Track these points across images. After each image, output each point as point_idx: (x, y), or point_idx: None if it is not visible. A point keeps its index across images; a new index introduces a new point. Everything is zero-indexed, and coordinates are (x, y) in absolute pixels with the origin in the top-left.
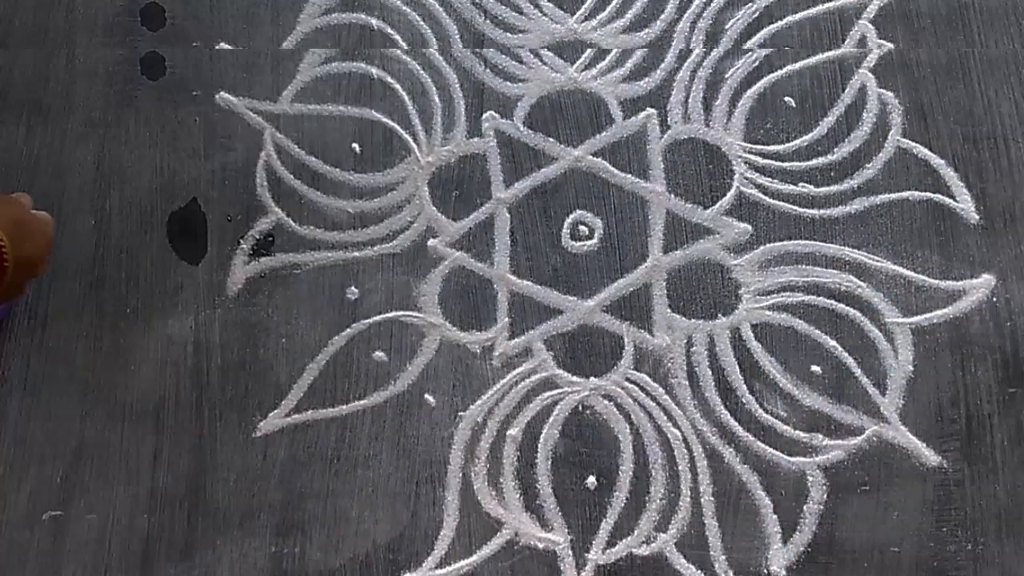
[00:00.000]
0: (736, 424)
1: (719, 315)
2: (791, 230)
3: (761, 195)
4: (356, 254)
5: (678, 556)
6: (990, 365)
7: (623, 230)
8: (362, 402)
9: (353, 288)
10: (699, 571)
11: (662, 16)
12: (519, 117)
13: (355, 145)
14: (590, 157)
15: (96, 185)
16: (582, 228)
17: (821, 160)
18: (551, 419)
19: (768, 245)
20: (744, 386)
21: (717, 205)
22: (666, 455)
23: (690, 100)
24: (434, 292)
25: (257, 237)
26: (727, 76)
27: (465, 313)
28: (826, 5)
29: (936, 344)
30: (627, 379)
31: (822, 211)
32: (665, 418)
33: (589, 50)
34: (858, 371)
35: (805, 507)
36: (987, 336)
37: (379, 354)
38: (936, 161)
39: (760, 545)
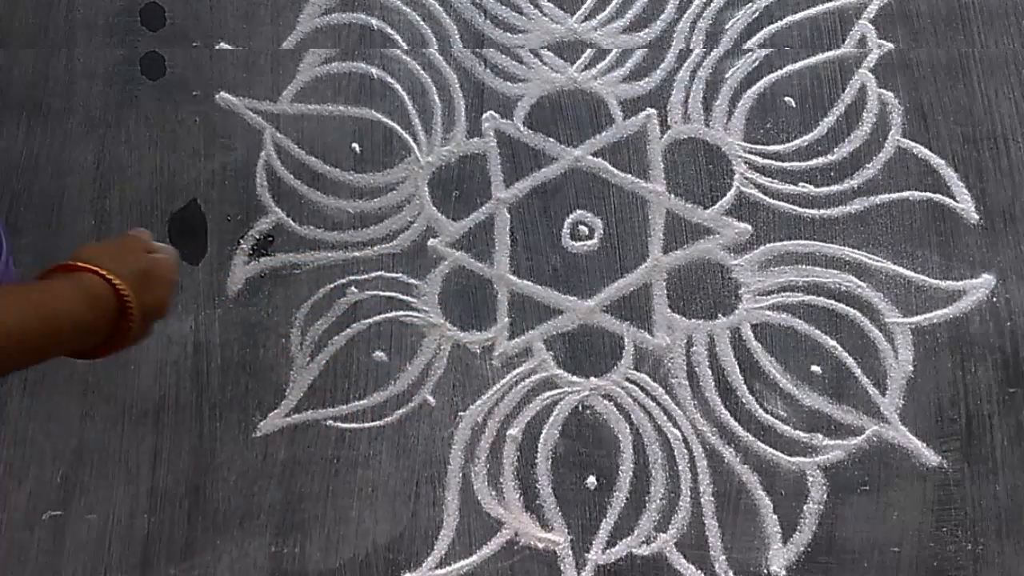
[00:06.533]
0: (736, 424)
1: (719, 315)
2: (791, 230)
3: (761, 195)
4: (356, 254)
5: (678, 556)
6: (990, 365)
7: (623, 230)
8: (362, 402)
9: (353, 288)
10: (699, 571)
11: (662, 16)
12: (519, 117)
13: (355, 145)
14: (590, 157)
15: (96, 185)
16: (582, 228)
17: (821, 160)
18: (551, 419)
19: (768, 245)
20: (744, 386)
21: (717, 205)
22: (666, 455)
23: (690, 100)
24: (434, 292)
25: (257, 237)
26: (727, 76)
27: (465, 313)
28: (826, 5)
29: (936, 344)
30: (627, 379)
31: (822, 211)
32: (665, 418)
33: (589, 50)
34: (858, 371)
35: (805, 507)
36: (987, 336)
37: (379, 354)
38: (936, 161)
39: (760, 545)
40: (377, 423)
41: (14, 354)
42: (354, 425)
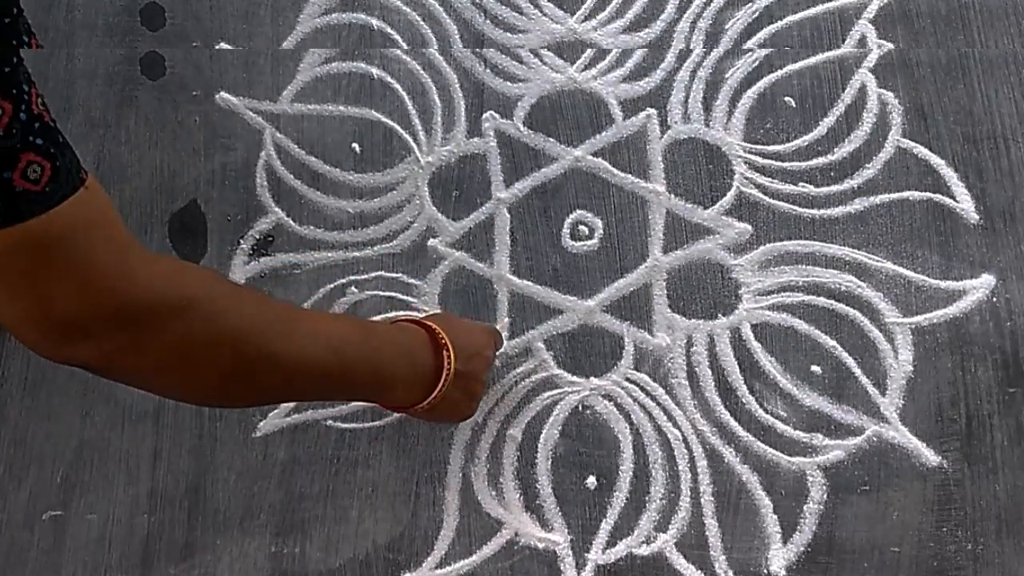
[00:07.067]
0: (736, 424)
1: (719, 315)
2: (791, 230)
3: (761, 195)
4: (356, 254)
5: (678, 556)
6: (990, 365)
7: (623, 230)
8: (362, 402)
9: (353, 288)
10: (699, 571)
11: (662, 16)
12: (519, 117)
13: (355, 145)
14: (590, 157)
15: None
16: (582, 228)
17: (821, 160)
18: (551, 419)
19: (768, 245)
20: (744, 386)
21: (717, 205)
22: (666, 455)
23: (690, 100)
24: (434, 292)
25: (257, 237)
26: (727, 76)
27: (465, 313)
28: (826, 5)
29: (936, 344)
30: (627, 379)
31: (822, 211)
32: (665, 418)
33: (589, 50)
34: (858, 371)
35: (805, 507)
36: (987, 336)
37: None
38: (936, 161)
39: (760, 545)
40: (377, 423)
41: (337, 366)
42: (354, 425)
